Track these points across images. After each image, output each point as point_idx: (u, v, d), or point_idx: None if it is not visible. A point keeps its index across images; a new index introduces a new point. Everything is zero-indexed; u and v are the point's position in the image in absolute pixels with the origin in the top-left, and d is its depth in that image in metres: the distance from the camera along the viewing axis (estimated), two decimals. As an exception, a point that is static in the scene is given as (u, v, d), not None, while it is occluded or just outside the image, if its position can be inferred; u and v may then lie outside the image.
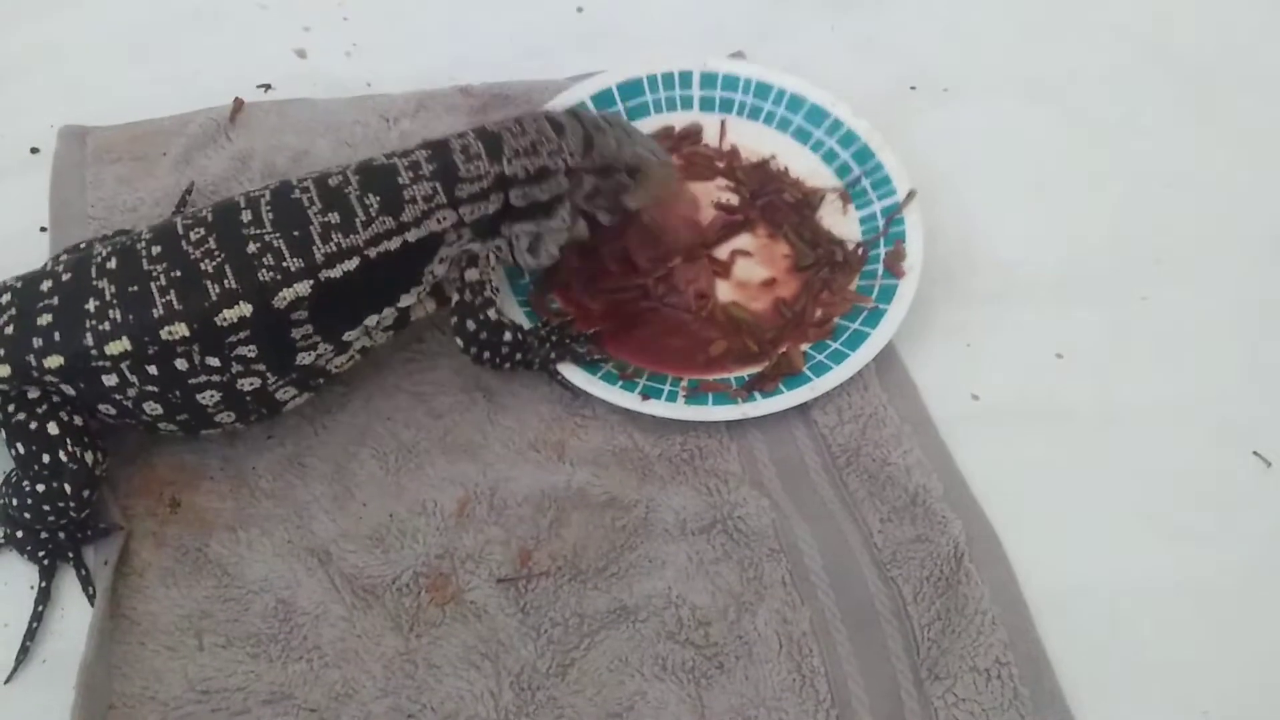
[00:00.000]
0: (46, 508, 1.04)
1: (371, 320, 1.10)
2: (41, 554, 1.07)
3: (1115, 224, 1.34)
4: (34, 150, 1.37)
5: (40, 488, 1.04)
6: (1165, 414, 1.18)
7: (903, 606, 1.06)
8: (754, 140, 1.36)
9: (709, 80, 1.37)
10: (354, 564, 1.08)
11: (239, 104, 1.40)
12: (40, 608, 1.05)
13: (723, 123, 1.37)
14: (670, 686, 1.02)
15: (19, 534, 1.08)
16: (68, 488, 1.04)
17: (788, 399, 1.15)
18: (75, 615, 1.05)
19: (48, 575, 1.07)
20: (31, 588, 1.07)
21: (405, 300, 1.11)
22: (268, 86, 1.44)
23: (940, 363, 1.21)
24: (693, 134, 1.36)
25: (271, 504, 1.11)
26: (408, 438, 1.15)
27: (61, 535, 1.07)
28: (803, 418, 1.17)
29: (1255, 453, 1.16)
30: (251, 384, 1.07)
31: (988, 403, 1.19)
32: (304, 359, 1.08)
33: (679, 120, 1.37)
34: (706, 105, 1.37)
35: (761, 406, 1.14)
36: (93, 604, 1.05)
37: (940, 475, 1.12)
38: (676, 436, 1.16)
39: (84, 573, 1.07)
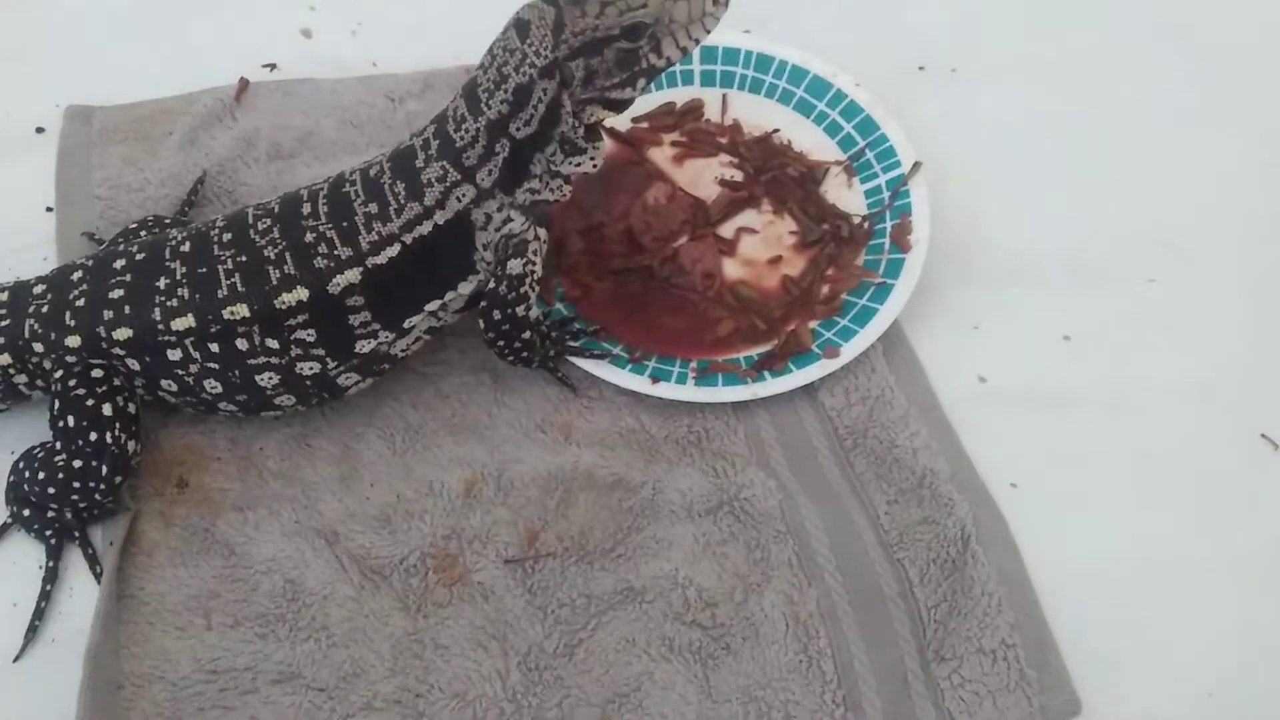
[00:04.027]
0: (76, 484, 1.05)
1: (433, 305, 1.10)
2: (49, 533, 1.08)
3: (1123, 206, 1.33)
4: (39, 130, 1.37)
5: (77, 463, 1.05)
6: (1173, 397, 1.18)
7: (909, 588, 1.06)
8: (756, 114, 1.35)
9: (709, 54, 1.36)
10: (361, 544, 1.08)
11: (244, 84, 1.40)
12: (48, 587, 1.06)
13: (724, 97, 1.36)
14: (677, 667, 1.02)
15: (26, 512, 1.08)
16: (104, 469, 1.05)
17: (797, 378, 1.15)
18: (83, 595, 1.06)
19: (55, 555, 1.07)
20: (40, 567, 1.07)
21: (466, 287, 1.10)
22: (273, 66, 1.43)
23: (948, 345, 1.21)
24: (694, 110, 1.35)
25: (279, 484, 1.12)
26: (415, 418, 1.15)
27: (69, 514, 1.08)
28: (810, 399, 1.17)
29: (1263, 435, 1.16)
30: (311, 368, 1.08)
31: (995, 385, 1.19)
32: (363, 347, 1.09)
33: (680, 96, 1.36)
34: (707, 80, 1.36)
35: (771, 386, 1.14)
36: (99, 582, 1.05)
37: (947, 457, 1.12)
38: (683, 418, 1.15)
39: (91, 552, 1.08)
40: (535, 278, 1.10)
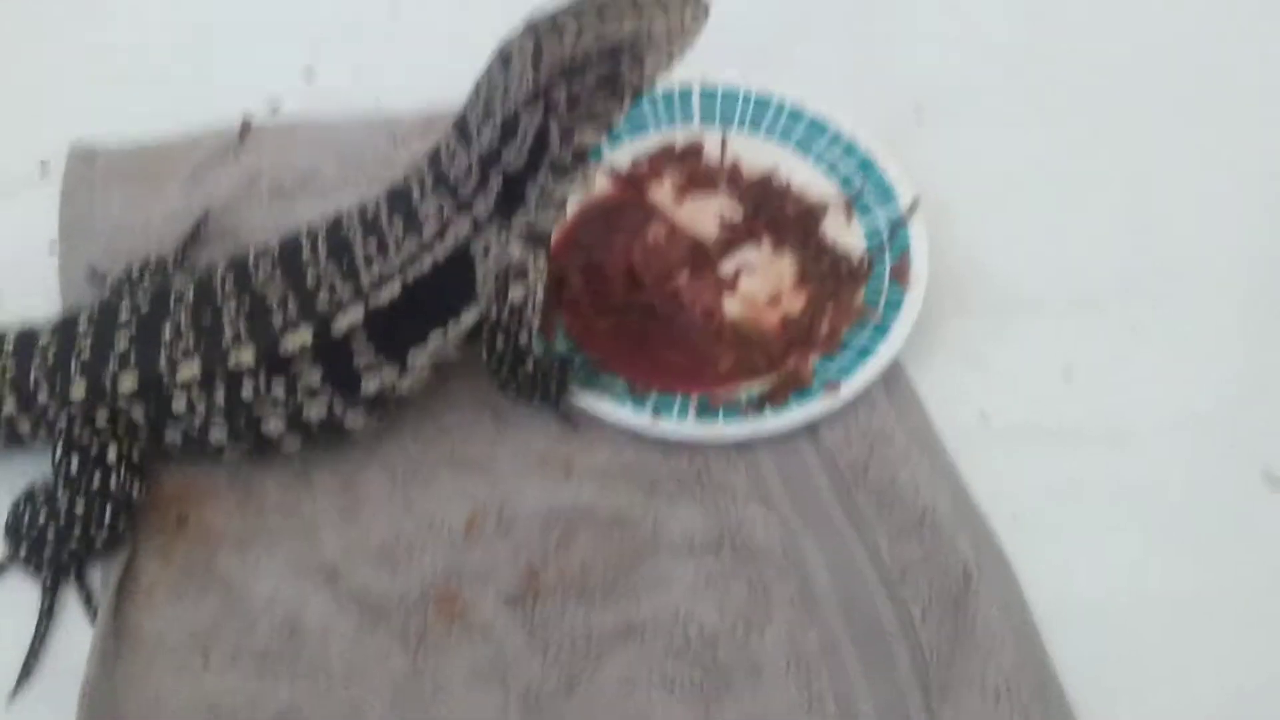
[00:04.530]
0: (77, 528, 1.05)
1: (436, 337, 1.10)
2: (45, 572, 1.07)
3: (1121, 242, 1.33)
4: (43, 168, 1.38)
5: (79, 507, 1.05)
6: (1174, 432, 1.18)
7: (911, 626, 1.05)
8: (756, 154, 1.36)
9: (709, 95, 1.38)
10: (361, 581, 1.07)
11: (247, 124, 1.41)
12: (44, 625, 1.05)
13: (724, 137, 1.37)
14: (677, 705, 1.01)
15: (22, 551, 1.08)
16: (108, 514, 1.05)
17: (798, 414, 1.15)
18: (80, 633, 1.05)
19: (51, 593, 1.06)
20: (40, 606, 1.06)
21: (468, 317, 1.11)
22: (276, 107, 1.45)
23: (948, 380, 1.21)
24: (694, 149, 1.37)
25: (279, 520, 1.11)
26: (416, 452, 1.15)
27: (65, 554, 1.07)
28: (811, 435, 1.17)
29: (1264, 471, 1.15)
30: (318, 412, 1.09)
31: (996, 421, 1.19)
32: (369, 385, 1.09)
33: (680, 136, 1.37)
34: (707, 120, 1.38)
35: (772, 422, 1.14)
36: (94, 624, 1.05)
37: (949, 494, 1.12)
38: (684, 453, 1.15)
39: (86, 592, 1.07)
40: (537, 304, 1.11)
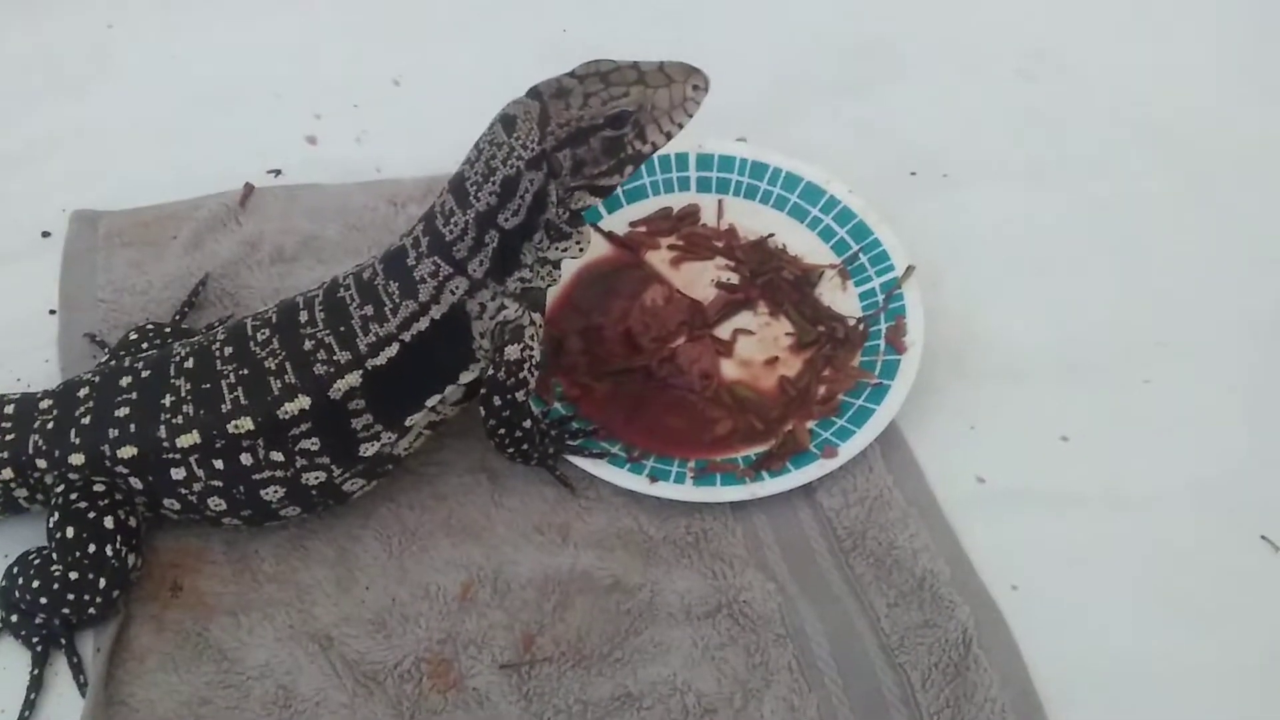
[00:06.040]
0: (70, 596, 1.04)
1: (433, 400, 1.10)
2: (35, 640, 1.06)
3: (1117, 306, 1.34)
4: (45, 234, 1.39)
5: (73, 575, 1.04)
6: (1171, 497, 1.18)
7: (911, 694, 1.04)
8: (751, 219, 1.37)
9: (705, 161, 1.39)
10: (356, 649, 1.06)
11: (249, 189, 1.42)
12: (33, 695, 1.04)
13: (720, 202, 1.39)
14: (676, 776, 1.00)
15: (14, 618, 1.07)
16: (102, 582, 1.04)
17: (795, 478, 1.15)
18: (72, 702, 1.04)
19: (41, 661, 1.06)
20: (29, 674, 1.05)
21: (466, 377, 1.11)
22: (278, 172, 1.46)
23: (945, 445, 1.21)
24: (690, 214, 1.38)
25: (274, 588, 1.11)
26: (412, 520, 1.15)
27: (56, 621, 1.06)
28: (808, 500, 1.16)
29: (1263, 537, 1.15)
30: (317, 478, 1.08)
31: (993, 485, 1.19)
32: (367, 450, 1.09)
33: (677, 201, 1.39)
34: (703, 186, 1.39)
35: (769, 486, 1.14)
36: (84, 693, 1.04)
37: (947, 559, 1.11)
38: (681, 519, 1.15)
39: (76, 660, 1.06)
40: (534, 363, 1.11)
